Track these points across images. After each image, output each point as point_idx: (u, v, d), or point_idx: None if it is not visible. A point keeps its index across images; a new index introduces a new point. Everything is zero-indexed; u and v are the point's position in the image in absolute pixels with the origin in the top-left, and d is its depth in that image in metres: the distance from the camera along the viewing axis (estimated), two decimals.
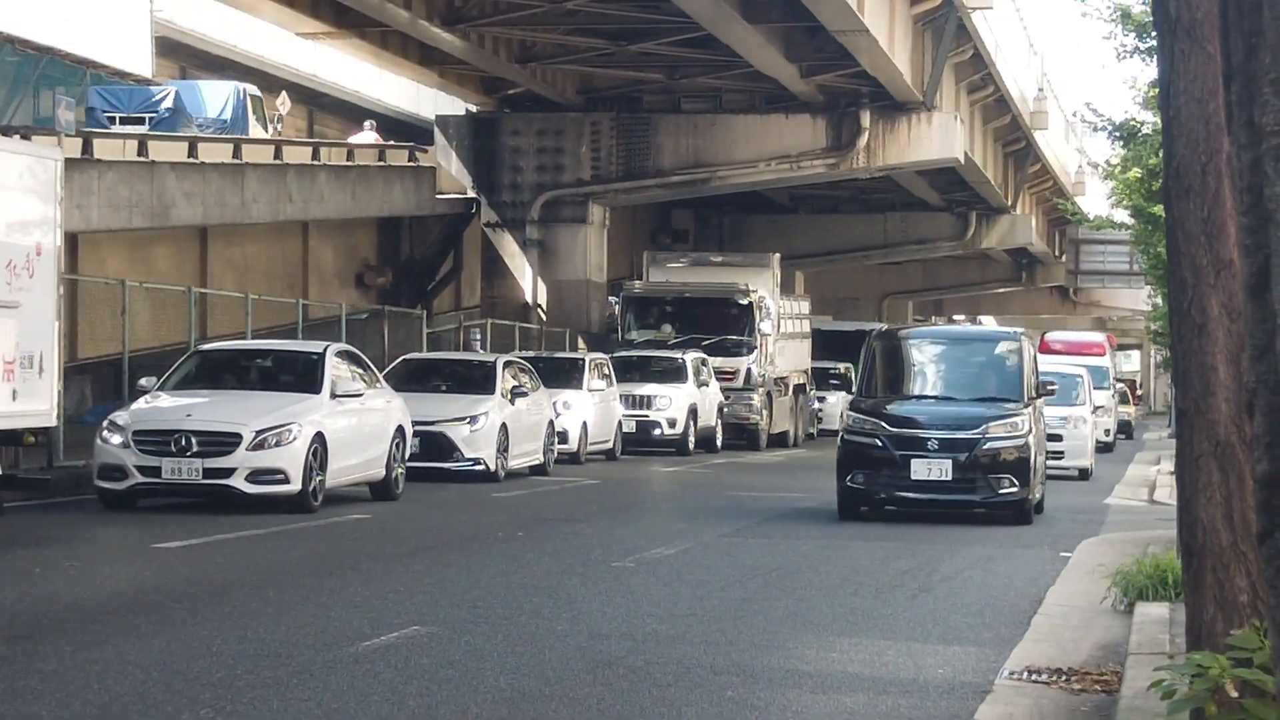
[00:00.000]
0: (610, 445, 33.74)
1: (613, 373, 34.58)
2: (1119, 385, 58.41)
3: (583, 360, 33.97)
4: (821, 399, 48.89)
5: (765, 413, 41.01)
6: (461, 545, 17.31)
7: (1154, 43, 9.16)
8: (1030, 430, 20.91)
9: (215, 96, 39.07)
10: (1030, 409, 21.21)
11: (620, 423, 34.46)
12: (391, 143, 45.17)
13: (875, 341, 22.64)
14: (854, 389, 22.91)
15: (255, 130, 38.88)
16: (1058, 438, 30.58)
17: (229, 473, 19.33)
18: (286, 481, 19.50)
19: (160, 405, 20.36)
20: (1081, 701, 9.26)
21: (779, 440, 42.55)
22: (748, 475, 30.88)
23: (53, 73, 37.18)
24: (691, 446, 36.68)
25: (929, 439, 20.49)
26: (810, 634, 11.74)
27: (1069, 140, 64.98)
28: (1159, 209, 22.16)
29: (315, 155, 38.97)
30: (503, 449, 26.53)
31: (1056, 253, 77.75)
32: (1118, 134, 27.66)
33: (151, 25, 38.74)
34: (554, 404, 29.98)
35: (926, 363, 22.53)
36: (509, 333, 40.36)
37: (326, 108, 53.52)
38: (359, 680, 9.49)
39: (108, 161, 30.59)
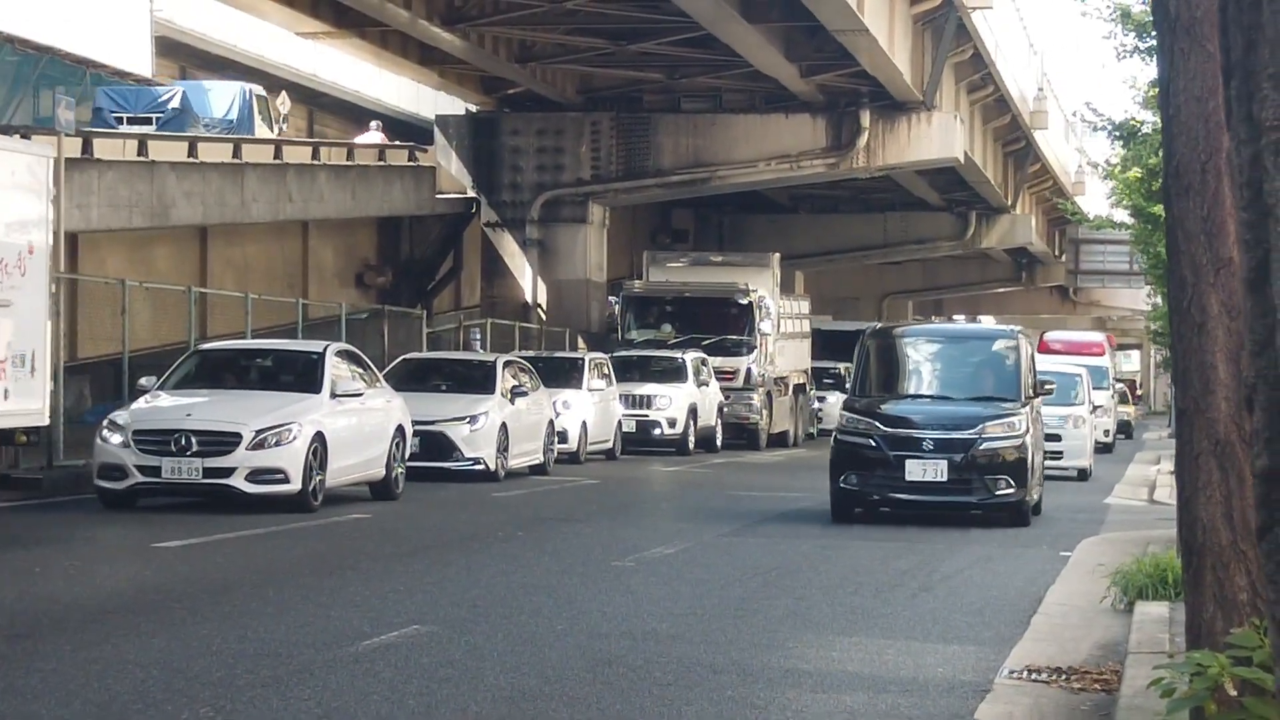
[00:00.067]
0: (610, 445, 33.75)
1: (612, 372, 34.59)
2: (1119, 385, 58.38)
3: (582, 360, 33.97)
4: (821, 399, 48.89)
5: (765, 412, 41.02)
6: (461, 545, 17.31)
7: (1154, 42, 9.16)
8: (1028, 430, 20.51)
9: (221, 97, 39.11)
10: (1028, 408, 20.86)
11: (620, 422, 34.46)
12: (392, 142, 45.18)
13: (870, 340, 22.16)
14: (847, 388, 22.11)
15: (261, 130, 38.92)
16: (1056, 438, 30.47)
17: (229, 472, 19.33)
18: (286, 481, 19.50)
19: (160, 405, 20.35)
20: (1081, 700, 9.26)
21: (779, 440, 42.56)
22: (747, 475, 30.88)
23: (53, 72, 37.22)
24: (691, 446, 36.68)
25: (924, 439, 20.08)
26: (810, 633, 11.75)
27: (1069, 140, 64.98)
28: (1159, 208, 22.14)
29: (315, 155, 38.98)
30: (503, 448, 26.54)
31: (1056, 252, 77.78)
32: (1118, 134, 27.67)
33: (151, 25, 38.80)
34: (554, 404, 29.98)
35: (922, 361, 22.09)
36: (509, 332, 40.36)
37: (326, 108, 53.53)
38: (359, 679, 9.49)
39: (108, 161, 30.60)
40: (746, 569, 15.48)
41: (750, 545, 17.53)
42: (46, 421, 20.55)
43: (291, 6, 37.46)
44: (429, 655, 10.29)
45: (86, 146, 29.88)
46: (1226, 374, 7.24)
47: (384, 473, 21.82)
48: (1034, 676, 9.93)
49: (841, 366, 49.76)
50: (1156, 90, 12.38)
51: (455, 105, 47.63)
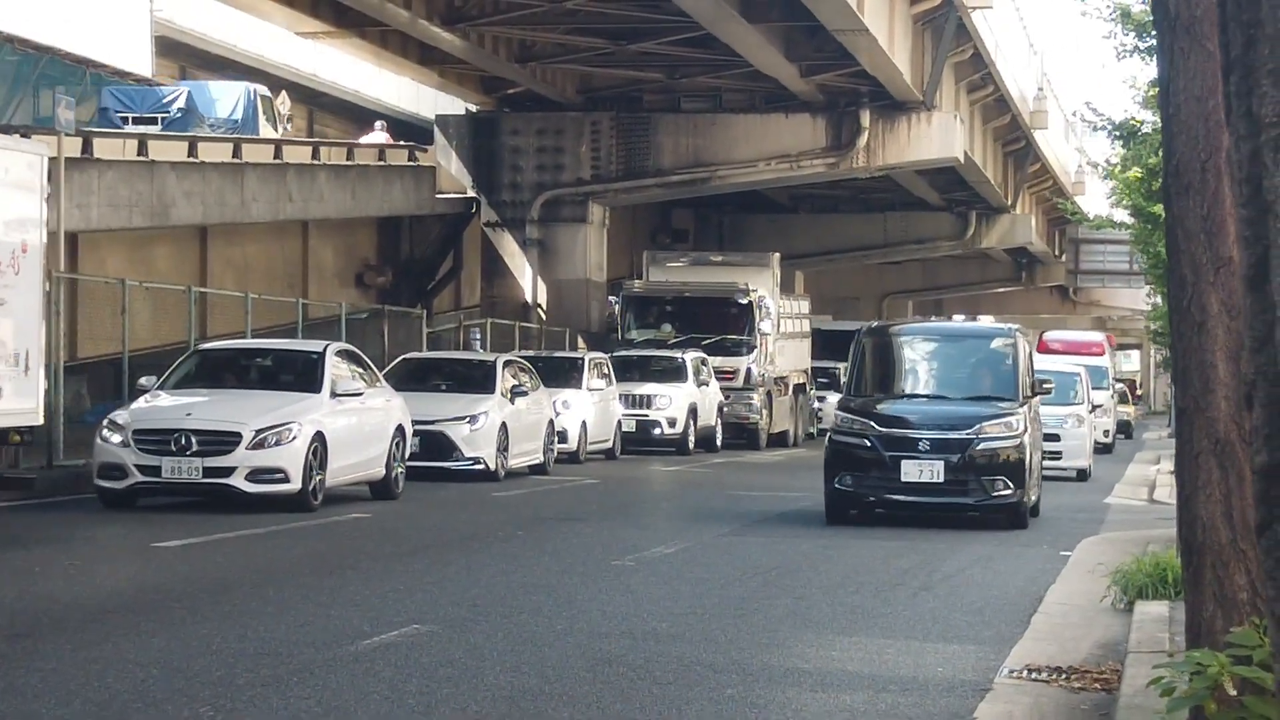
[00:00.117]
0: (610, 445, 33.76)
1: (612, 372, 34.60)
2: (1118, 385, 58.36)
3: (582, 360, 33.99)
4: (821, 399, 48.90)
5: (765, 412, 41.03)
6: (461, 544, 17.31)
7: (1154, 41, 9.16)
8: (1025, 430, 20.13)
9: (226, 97, 39.17)
10: (1025, 408, 20.47)
11: (620, 422, 34.48)
12: (392, 142, 45.19)
13: (865, 338, 21.71)
14: (842, 387, 21.80)
15: (266, 130, 38.96)
16: (1055, 438, 30.39)
17: (229, 472, 19.33)
18: (286, 480, 19.50)
19: (160, 404, 20.36)
20: (1081, 700, 9.26)
21: (779, 440, 42.57)
22: (747, 474, 30.88)
23: (52, 72, 37.22)
24: (691, 446, 36.69)
25: (920, 439, 19.71)
26: (810, 632, 11.75)
27: (1069, 140, 64.99)
28: (1159, 208, 22.13)
29: (315, 155, 38.99)
30: (502, 448, 26.54)
31: (1056, 252, 77.80)
32: (1117, 133, 27.68)
33: (151, 25, 38.79)
34: (554, 403, 29.99)
35: (918, 360, 21.70)
36: (509, 332, 40.37)
37: (326, 107, 53.53)
38: (359, 679, 9.49)
39: (107, 161, 30.60)
40: (746, 568, 15.48)
41: (750, 545, 17.53)
42: (40, 421, 20.51)
43: (291, 6, 37.46)
44: (429, 654, 10.29)
45: (86, 146, 29.88)
46: (1226, 373, 7.24)
47: (384, 472, 21.83)
48: (1034, 676, 9.93)
49: (840, 367, 49.87)
50: (1156, 90, 12.38)
51: (455, 105, 47.63)
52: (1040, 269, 78.39)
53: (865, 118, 44.81)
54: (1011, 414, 20.17)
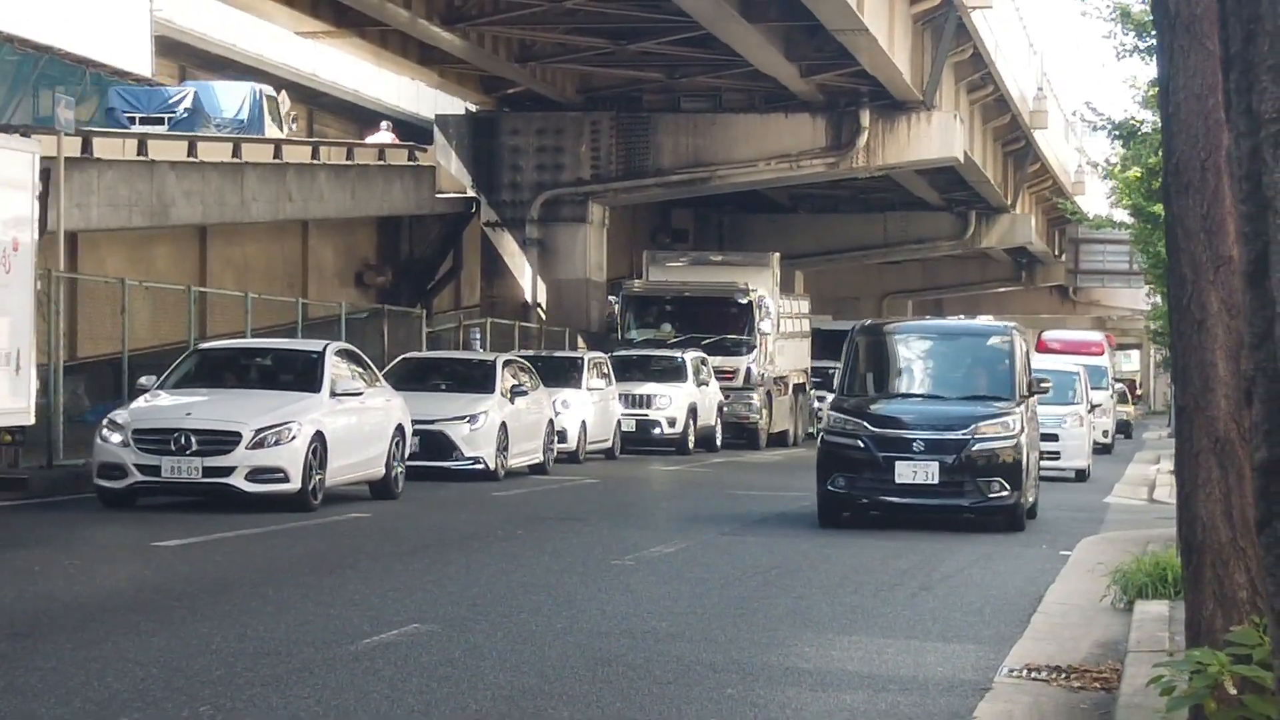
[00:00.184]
0: (609, 444, 33.76)
1: (611, 372, 34.61)
2: (1118, 385, 58.35)
3: (582, 359, 34.00)
4: (821, 398, 48.85)
5: (765, 412, 41.03)
6: (461, 544, 17.30)
7: (1154, 41, 9.15)
8: (1022, 430, 19.59)
9: (232, 97, 39.24)
10: (1022, 408, 19.94)
11: (619, 422, 34.48)
12: (397, 142, 45.21)
13: (859, 336, 21.18)
14: (836, 386, 20.96)
15: (271, 130, 39.00)
16: (1054, 437, 30.30)
17: (228, 471, 19.32)
18: (286, 480, 19.50)
19: (160, 404, 20.35)
20: (1081, 699, 9.26)
21: (779, 439, 42.58)
22: (747, 474, 30.88)
23: (52, 72, 37.20)
24: (691, 445, 36.70)
25: (914, 440, 19.23)
26: (810, 632, 11.74)
27: (1069, 140, 65.00)
28: (1159, 208, 22.12)
29: (315, 154, 38.99)
30: (502, 448, 26.54)
31: (1056, 252, 77.80)
32: (1117, 133, 27.70)
33: (151, 25, 38.77)
34: (553, 403, 29.99)
35: (913, 359, 21.22)
36: (509, 332, 40.37)
37: (326, 107, 53.53)
38: (359, 678, 9.49)
39: (107, 160, 30.60)
40: (746, 568, 15.48)
41: (750, 544, 17.52)
42: (32, 421, 20.46)
43: (291, 6, 37.45)
44: (429, 654, 10.29)
45: (86, 146, 29.88)
46: (1226, 371, 7.24)
47: (384, 472, 21.82)
48: (1034, 675, 9.92)
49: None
50: (1156, 89, 12.38)
51: (455, 105, 47.63)
52: (1040, 269, 78.39)
53: (865, 117, 44.81)
54: (1008, 414, 19.72)
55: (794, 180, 48.40)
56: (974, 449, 19.33)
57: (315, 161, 38.56)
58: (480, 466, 26.06)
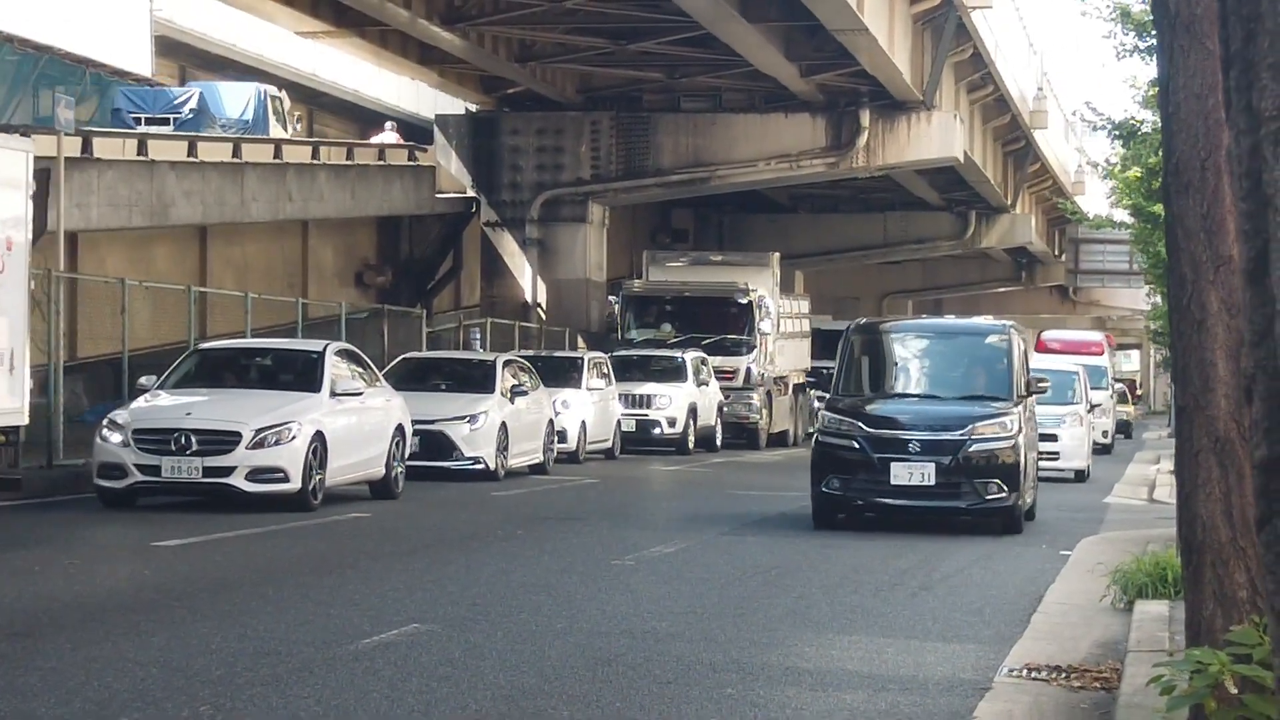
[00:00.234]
0: (609, 444, 33.77)
1: (611, 372, 34.62)
2: (1118, 385, 58.34)
3: (582, 359, 34.01)
4: (821, 398, 48.86)
5: (765, 412, 41.04)
6: (461, 544, 17.31)
7: (1154, 41, 9.16)
8: (1020, 430, 19.24)
9: (237, 98, 39.28)
10: (1020, 408, 19.59)
11: (619, 421, 34.49)
12: (401, 142, 45.21)
13: (854, 335, 20.78)
14: (830, 386, 20.55)
15: (276, 130, 39.03)
16: (1053, 438, 30.27)
17: (228, 471, 19.32)
18: (286, 480, 19.50)
19: (160, 404, 20.35)
20: (1081, 699, 9.26)
21: (779, 439, 42.59)
22: (747, 474, 30.88)
23: (52, 72, 37.18)
24: (691, 445, 36.70)
25: (910, 440, 18.90)
26: (810, 632, 11.74)
27: (1069, 139, 65.01)
28: (1159, 208, 22.11)
29: (315, 154, 39.00)
30: (502, 448, 26.55)
31: (1056, 252, 77.80)
32: (1117, 133, 27.71)
33: (151, 24, 38.75)
34: (553, 403, 29.99)
35: (909, 358, 20.87)
36: (509, 332, 40.38)
37: (326, 107, 53.53)
38: (359, 678, 9.48)
39: (107, 160, 30.61)
40: (746, 568, 15.48)
41: (750, 544, 17.52)
42: (26, 421, 20.42)
43: (291, 6, 37.46)
44: (429, 654, 10.28)
45: (86, 146, 29.88)
46: (1226, 371, 7.24)
47: (384, 472, 21.82)
48: (1034, 675, 9.92)
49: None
50: (1156, 89, 12.38)
51: (455, 105, 47.63)
52: (1040, 269, 78.40)
53: (865, 117, 44.82)
54: (1006, 414, 19.41)
55: (794, 180, 48.41)
56: (971, 450, 19.02)
57: (315, 161, 38.57)
58: (480, 466, 26.06)
